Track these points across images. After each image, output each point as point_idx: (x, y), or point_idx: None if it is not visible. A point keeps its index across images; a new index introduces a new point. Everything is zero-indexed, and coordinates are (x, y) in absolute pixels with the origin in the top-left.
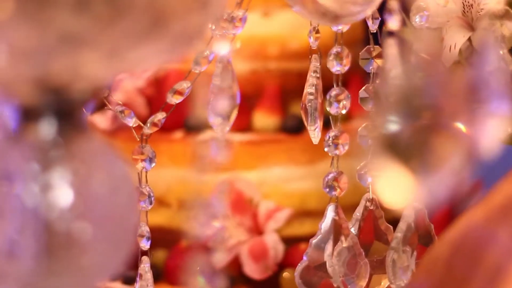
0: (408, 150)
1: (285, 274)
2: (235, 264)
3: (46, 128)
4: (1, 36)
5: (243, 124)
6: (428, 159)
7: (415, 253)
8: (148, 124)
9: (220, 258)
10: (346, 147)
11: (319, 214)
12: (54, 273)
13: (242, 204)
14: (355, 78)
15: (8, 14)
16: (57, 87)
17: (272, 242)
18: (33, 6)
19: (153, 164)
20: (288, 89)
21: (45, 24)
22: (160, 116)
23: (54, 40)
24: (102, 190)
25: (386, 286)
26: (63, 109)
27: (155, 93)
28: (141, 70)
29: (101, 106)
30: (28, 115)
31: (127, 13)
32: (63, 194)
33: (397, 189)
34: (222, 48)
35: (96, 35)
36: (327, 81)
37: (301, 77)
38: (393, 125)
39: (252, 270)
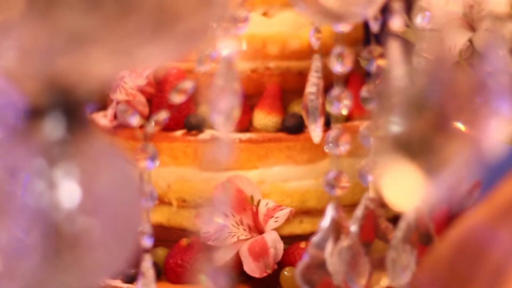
0: (411, 150)
1: (285, 272)
2: (235, 262)
3: (54, 126)
4: (10, 34)
5: (243, 123)
6: (431, 159)
7: (415, 252)
8: (152, 123)
9: (222, 256)
10: (346, 147)
11: (319, 213)
12: (59, 271)
13: (242, 203)
14: (355, 77)
15: (18, 13)
16: (65, 85)
17: (272, 241)
18: (42, 6)
19: (156, 163)
20: (288, 88)
21: (54, 23)
22: (163, 115)
23: (63, 39)
24: (107, 188)
25: (385, 284)
26: (71, 108)
27: (155, 92)
28: (141, 69)
29: (103, 104)
30: (36, 113)
31: (135, 13)
32: (69, 192)
33: (403, 190)
34: (226, 48)
35: (104, 34)
36: (328, 81)
37: (301, 76)
38: (395, 126)
39: (252, 268)
